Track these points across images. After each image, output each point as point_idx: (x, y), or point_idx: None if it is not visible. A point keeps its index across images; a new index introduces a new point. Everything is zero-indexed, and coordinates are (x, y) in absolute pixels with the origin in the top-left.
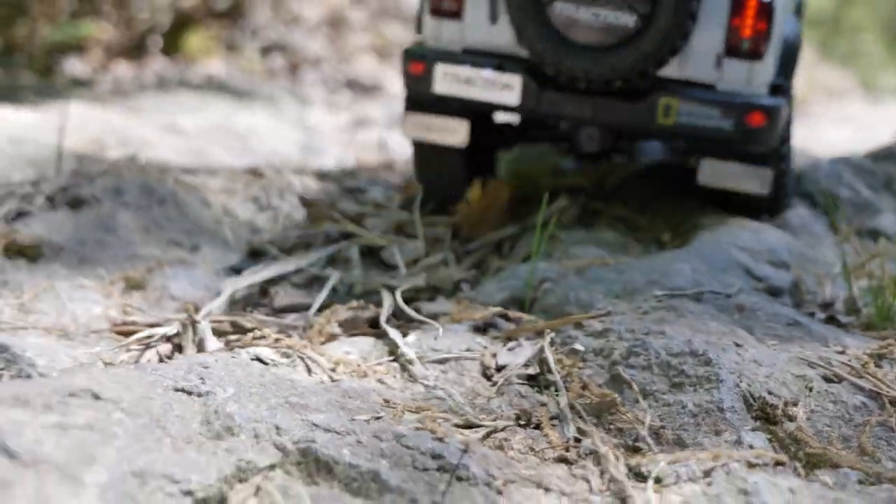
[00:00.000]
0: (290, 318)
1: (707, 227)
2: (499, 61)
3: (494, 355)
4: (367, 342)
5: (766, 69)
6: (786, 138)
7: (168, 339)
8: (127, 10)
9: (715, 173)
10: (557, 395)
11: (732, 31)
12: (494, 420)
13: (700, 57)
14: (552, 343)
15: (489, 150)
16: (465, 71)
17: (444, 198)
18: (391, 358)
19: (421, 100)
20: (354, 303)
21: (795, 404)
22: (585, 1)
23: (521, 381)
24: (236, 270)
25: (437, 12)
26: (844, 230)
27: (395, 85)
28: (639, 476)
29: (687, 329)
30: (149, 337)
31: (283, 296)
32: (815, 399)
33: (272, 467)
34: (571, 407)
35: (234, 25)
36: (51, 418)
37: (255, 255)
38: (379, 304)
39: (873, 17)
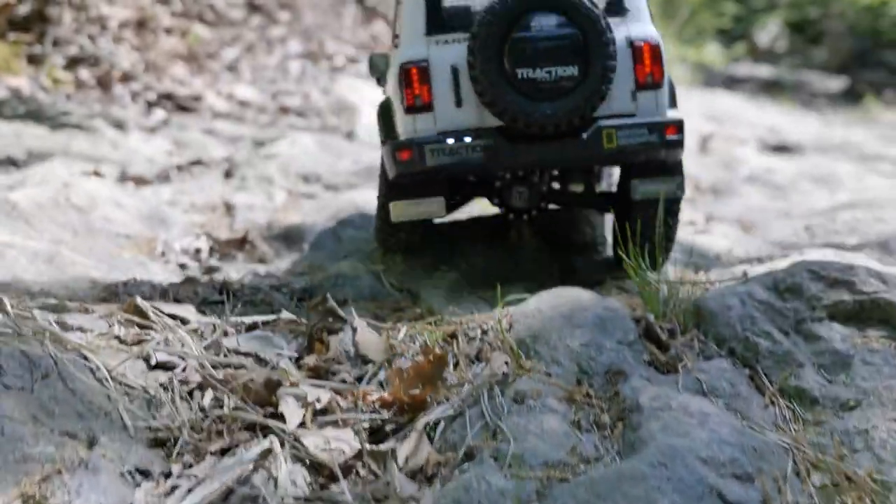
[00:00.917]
0: None
1: (647, 411)
2: (474, 131)
3: None
4: None
5: (665, 95)
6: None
7: None
8: None
9: (644, 189)
10: None
11: (639, 72)
12: None
13: (619, 95)
14: None
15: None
16: (448, 144)
17: (399, 250)
18: None
19: (409, 181)
20: None
21: None
22: (540, 63)
23: None
24: (143, 473)
25: (412, 109)
26: (769, 391)
27: (211, 96)
28: None
29: None
30: None
31: None
32: None
33: None
34: None
35: (36, 35)
36: None
37: (160, 444)
38: None
39: None
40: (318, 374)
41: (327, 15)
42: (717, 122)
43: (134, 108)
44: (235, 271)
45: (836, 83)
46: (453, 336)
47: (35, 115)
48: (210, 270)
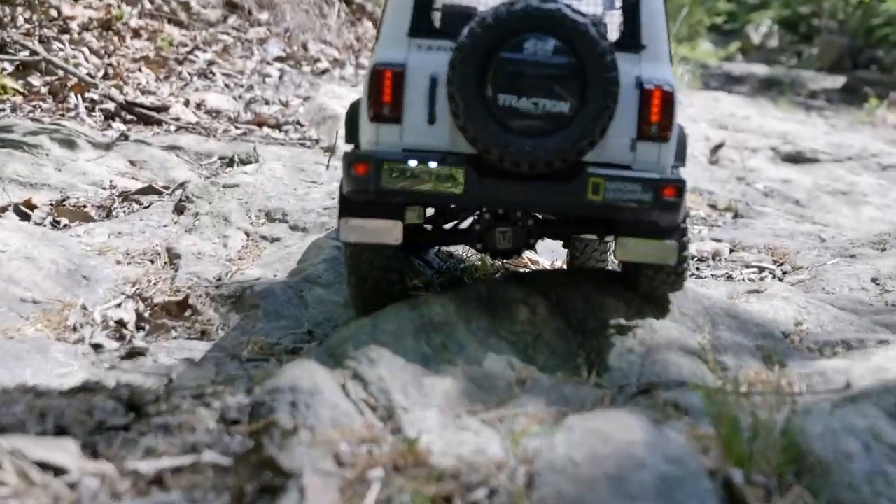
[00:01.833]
0: None
1: None
2: (442, 155)
3: None
4: None
5: (671, 150)
6: (686, 214)
7: None
8: None
9: (630, 249)
10: None
11: (643, 119)
12: None
13: (617, 142)
14: None
15: (417, 248)
16: (409, 166)
17: (375, 291)
18: None
19: (363, 200)
20: None
21: None
22: (527, 91)
23: None
24: None
25: (378, 118)
26: None
27: (178, 106)
28: None
29: None
30: None
31: None
32: None
33: None
34: None
35: None
36: None
37: None
38: None
39: None
40: None
41: (311, 15)
42: (724, 128)
43: (90, 121)
44: (166, 354)
45: (833, 82)
46: (448, 501)
47: None
48: (132, 355)
